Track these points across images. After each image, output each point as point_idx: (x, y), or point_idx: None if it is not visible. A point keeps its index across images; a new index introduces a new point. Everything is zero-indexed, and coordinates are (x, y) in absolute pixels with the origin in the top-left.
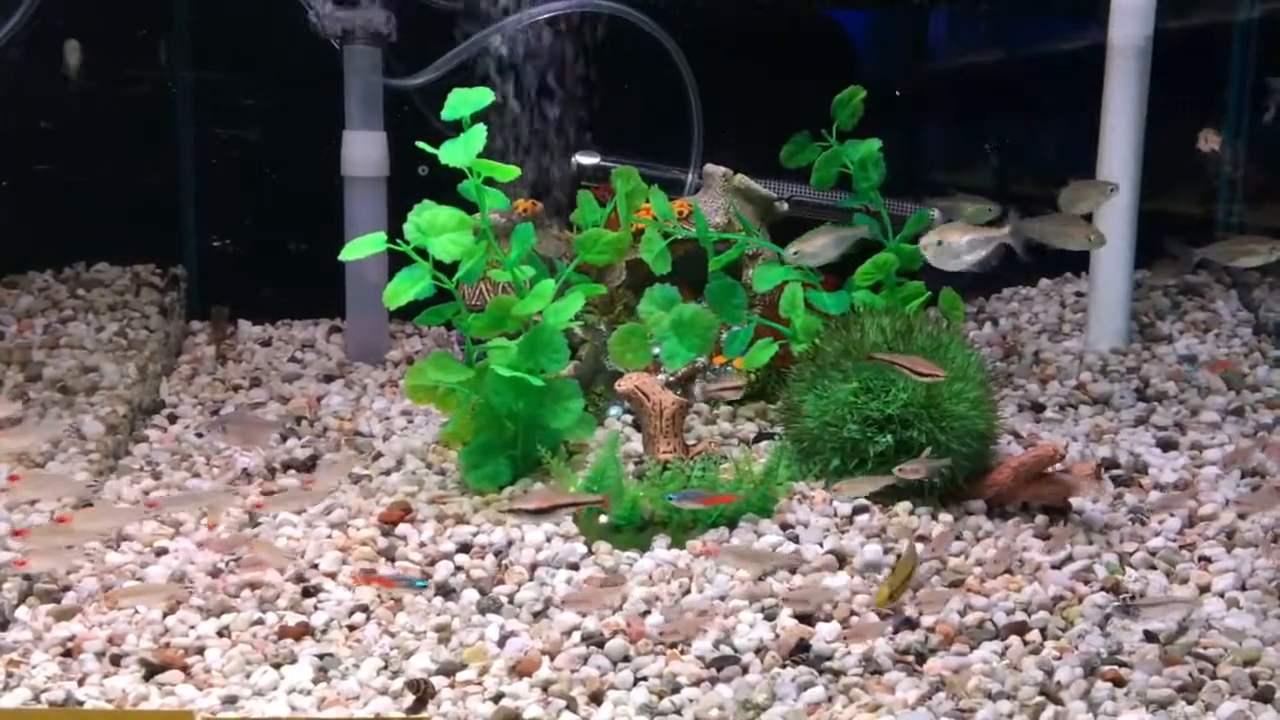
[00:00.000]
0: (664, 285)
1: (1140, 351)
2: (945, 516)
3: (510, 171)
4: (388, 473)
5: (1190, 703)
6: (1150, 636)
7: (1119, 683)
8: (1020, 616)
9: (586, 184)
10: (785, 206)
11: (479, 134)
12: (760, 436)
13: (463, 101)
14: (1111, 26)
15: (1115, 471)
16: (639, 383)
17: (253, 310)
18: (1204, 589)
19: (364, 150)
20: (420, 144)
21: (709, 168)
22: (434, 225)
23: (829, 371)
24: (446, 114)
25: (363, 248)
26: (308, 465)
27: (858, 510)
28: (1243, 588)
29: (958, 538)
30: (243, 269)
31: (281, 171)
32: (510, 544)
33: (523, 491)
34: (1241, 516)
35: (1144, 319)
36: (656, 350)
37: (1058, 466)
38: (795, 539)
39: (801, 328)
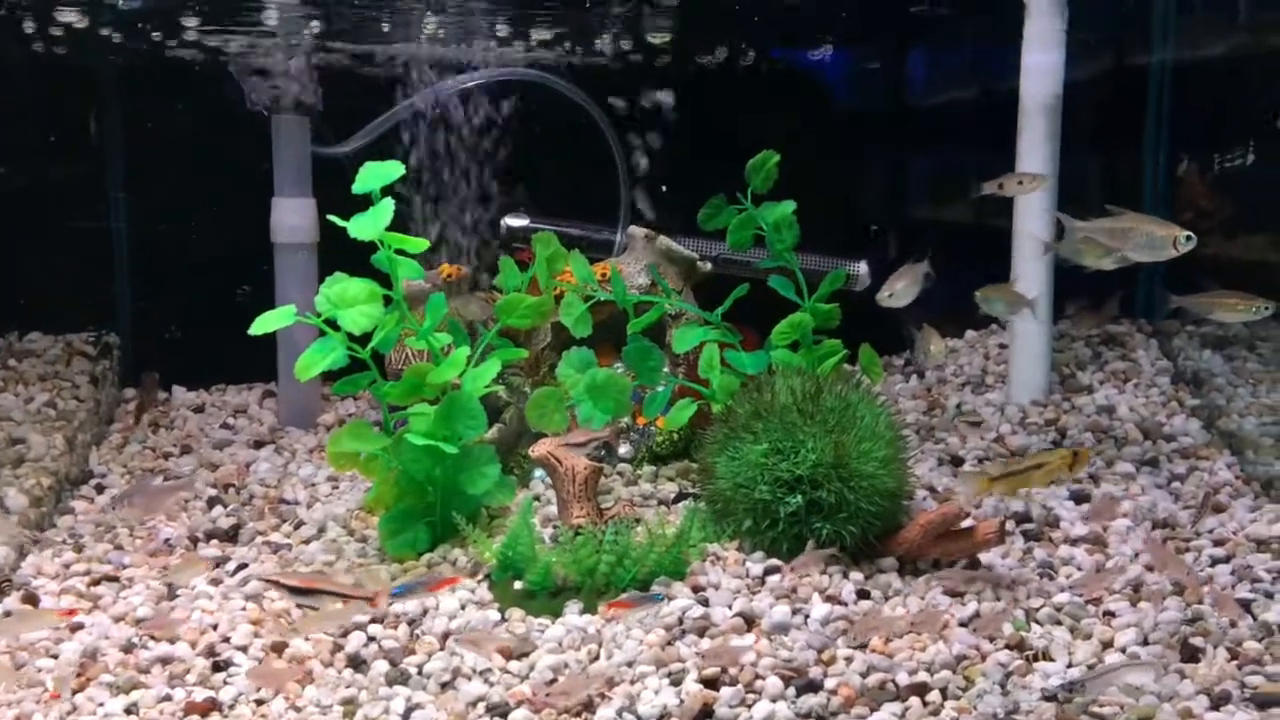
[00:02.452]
0: (581, 349)
1: (1060, 403)
2: (856, 575)
3: (419, 244)
4: (308, 541)
5: None
6: (1049, 696)
7: None
8: (922, 676)
9: (518, 246)
10: (709, 266)
11: (387, 208)
12: (680, 497)
13: (373, 175)
14: (1022, 85)
15: (1027, 525)
16: (551, 448)
17: (186, 376)
18: (1106, 644)
19: (293, 217)
20: (331, 217)
21: (632, 230)
22: (344, 298)
23: (740, 433)
24: (357, 188)
25: (272, 321)
26: (230, 534)
27: (769, 571)
28: (1145, 642)
29: (865, 595)
30: (176, 335)
31: (213, 238)
32: (425, 613)
33: (441, 558)
34: (1149, 569)
35: (1065, 370)
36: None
37: (969, 522)
38: (705, 602)
39: (720, 387)
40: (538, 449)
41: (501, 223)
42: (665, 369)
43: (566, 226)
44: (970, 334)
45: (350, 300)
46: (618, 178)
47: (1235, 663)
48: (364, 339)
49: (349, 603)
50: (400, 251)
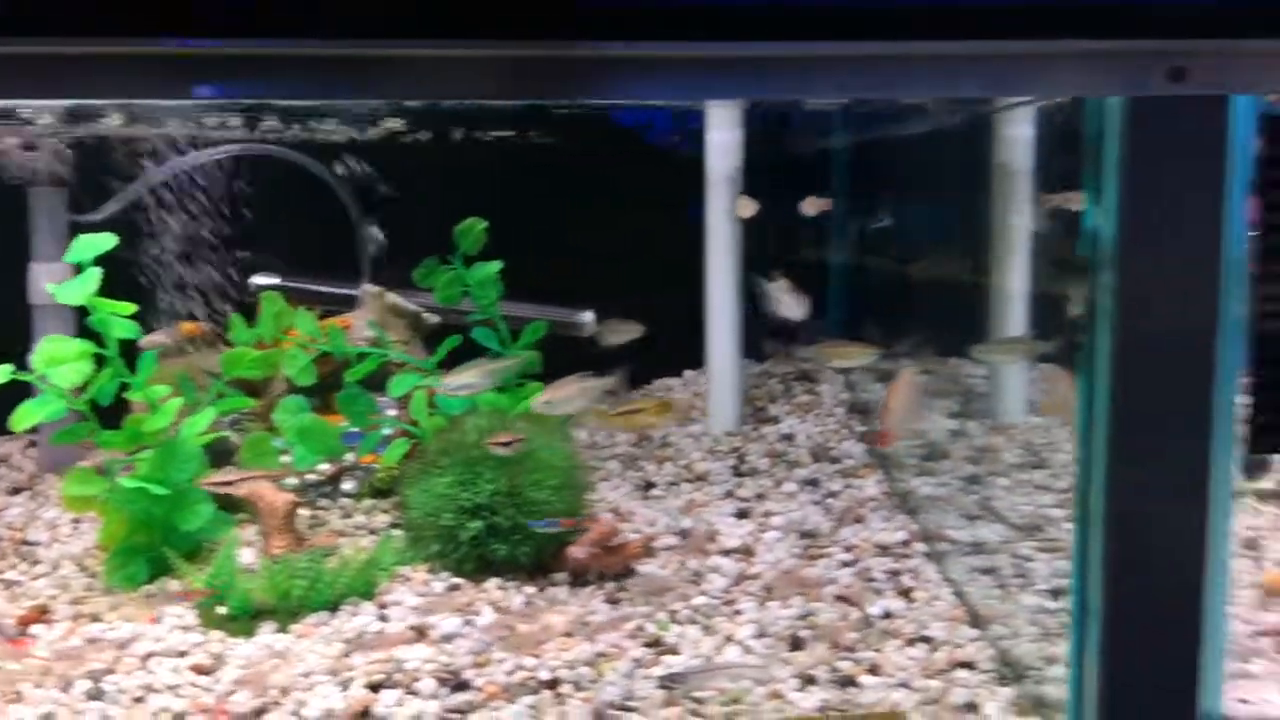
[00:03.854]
0: (297, 396)
1: (750, 432)
2: (529, 589)
3: (126, 308)
4: (38, 577)
5: None
6: (661, 685)
7: None
8: (562, 673)
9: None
10: (436, 319)
11: (94, 275)
12: (394, 526)
13: (86, 246)
14: (707, 160)
15: (695, 540)
16: (255, 487)
17: None
18: (729, 638)
19: (50, 281)
20: (50, 286)
21: (365, 287)
22: (55, 357)
23: (431, 468)
24: (69, 256)
25: (30, 414)
26: None
27: (451, 588)
28: (761, 635)
29: (530, 606)
30: None
31: None
32: (135, 638)
33: (158, 590)
34: (786, 574)
35: (758, 403)
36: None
37: (632, 539)
38: (384, 618)
39: (429, 427)
40: (240, 488)
41: (249, 281)
42: (394, 412)
43: (312, 284)
44: (688, 373)
45: (61, 359)
46: (358, 242)
47: (833, 650)
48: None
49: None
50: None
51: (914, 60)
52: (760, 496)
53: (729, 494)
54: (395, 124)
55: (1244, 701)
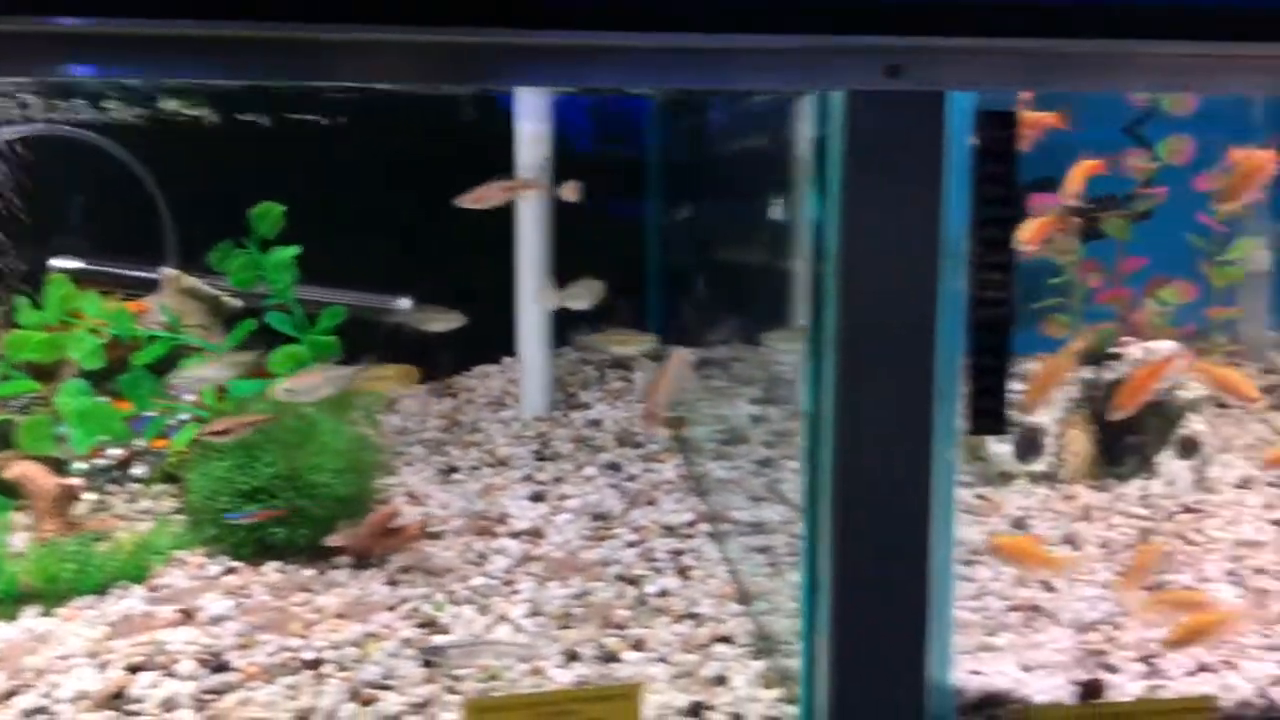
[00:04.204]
0: (79, 380)
1: (559, 418)
2: (309, 571)
3: None
4: None
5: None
6: (426, 661)
7: (369, 703)
8: (328, 653)
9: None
10: (239, 302)
11: None
12: (178, 511)
13: None
14: (517, 150)
15: (482, 522)
16: (24, 470)
17: None
18: (503, 618)
19: None
20: None
21: (163, 271)
22: None
23: (210, 452)
24: None
25: None
26: None
27: (226, 572)
28: (534, 614)
29: (305, 589)
30: None
31: None
32: None
33: None
34: (573, 554)
35: (570, 389)
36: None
37: (413, 521)
38: (154, 601)
39: (217, 412)
40: (11, 471)
41: (49, 264)
42: (191, 397)
43: (114, 267)
44: (507, 359)
45: None
46: (163, 225)
47: (603, 628)
48: None
49: None
50: None
51: (636, 52)
52: (559, 480)
53: (528, 478)
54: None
55: (976, 673)
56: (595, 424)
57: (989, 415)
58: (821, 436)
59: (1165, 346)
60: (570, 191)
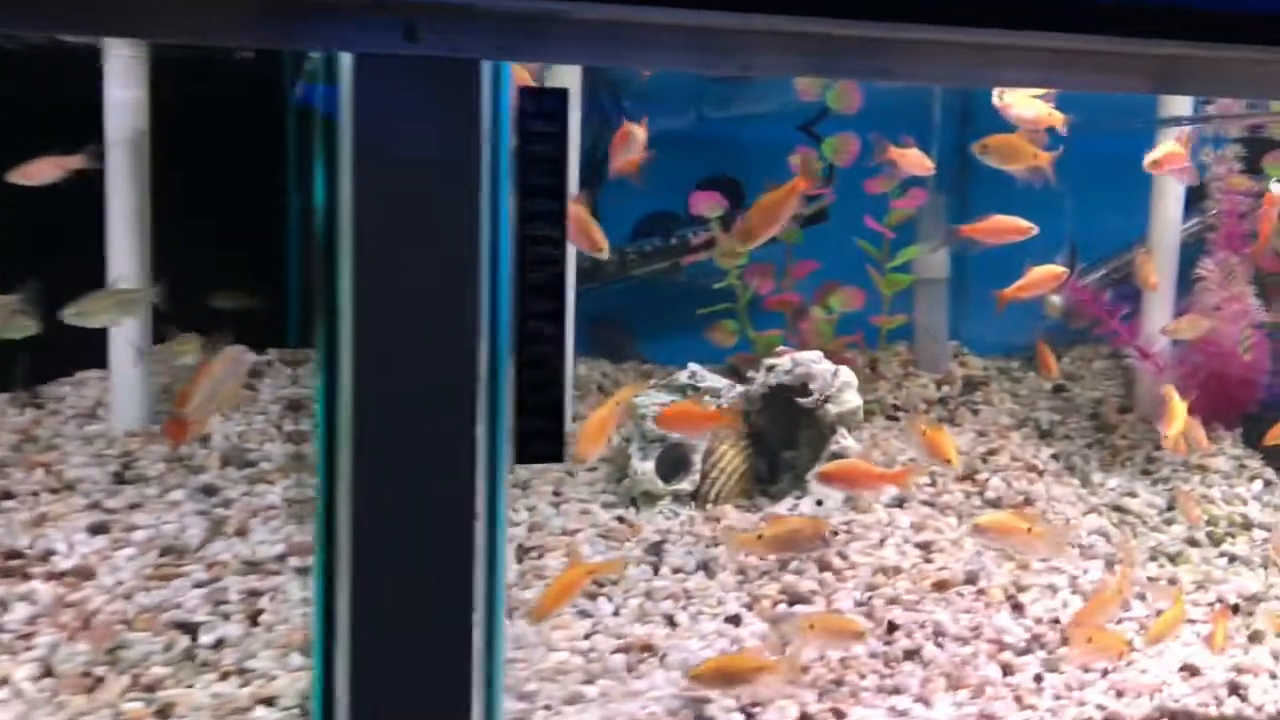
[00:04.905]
0: None
1: (159, 433)
2: None
3: None
4: None
5: None
6: None
7: None
8: None
9: None
10: None
11: None
12: None
13: None
14: (106, 120)
15: (15, 562)
16: None
17: None
18: (4, 681)
19: None
20: None
21: None
22: None
23: None
24: None
25: None
26: None
27: None
28: (45, 675)
29: None
30: None
31: None
32: None
33: None
34: (126, 597)
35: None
36: None
37: None
38: None
39: None
40: None
41: None
42: None
43: None
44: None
45: None
46: None
47: (129, 690)
48: None
49: None
50: None
51: None
52: (134, 507)
53: (95, 505)
54: None
55: None
56: (202, 439)
57: (542, 438)
58: (339, 463)
59: (810, 357)
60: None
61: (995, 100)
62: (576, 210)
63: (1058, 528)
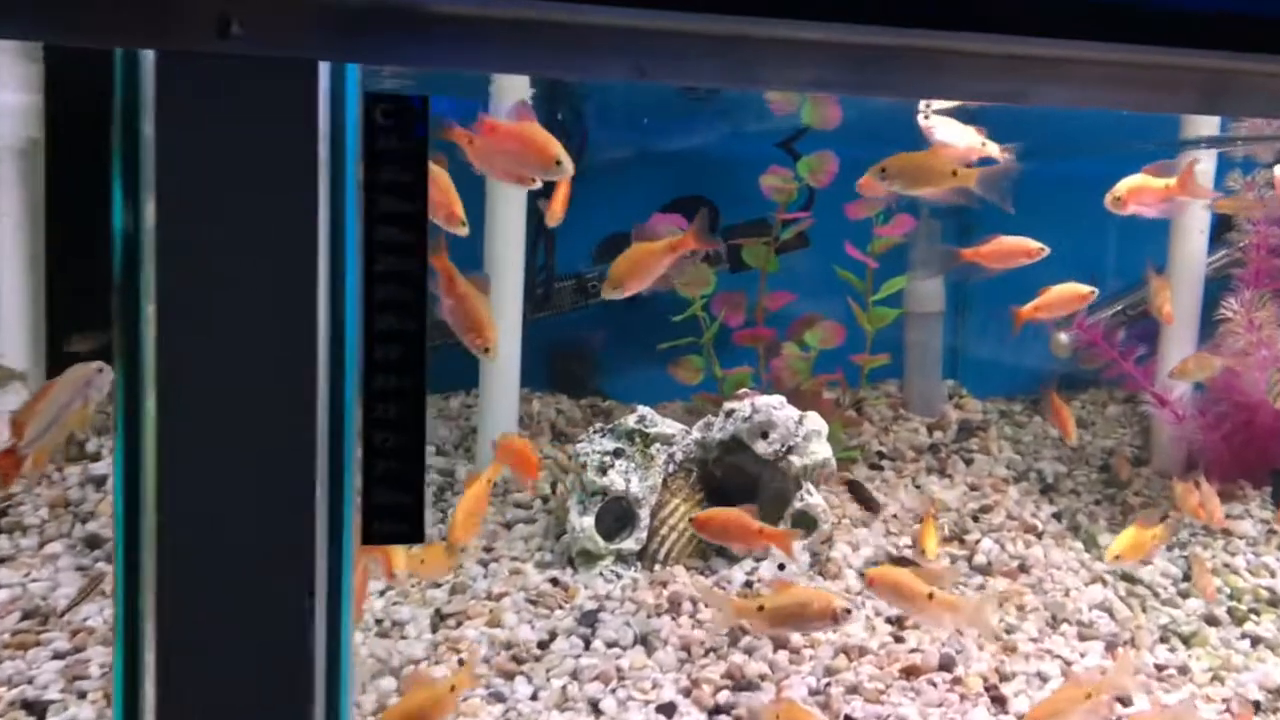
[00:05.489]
0: None
1: (50, 473)
2: None
3: None
4: None
5: None
6: None
7: None
8: None
9: None
10: None
11: None
12: None
13: None
14: None
15: None
16: None
17: None
18: None
19: None
20: None
21: None
22: None
23: None
24: None
25: None
26: None
27: None
28: None
29: None
30: None
31: None
32: None
33: None
34: None
35: (79, 435)
36: None
37: None
38: None
39: None
40: None
41: None
42: None
43: None
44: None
45: None
46: None
47: None
48: None
49: None
50: None
51: None
52: (2, 561)
53: None
54: None
55: None
56: (98, 482)
57: (395, 516)
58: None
59: (770, 402)
60: None
61: (920, 119)
62: (438, 173)
63: (977, 598)
